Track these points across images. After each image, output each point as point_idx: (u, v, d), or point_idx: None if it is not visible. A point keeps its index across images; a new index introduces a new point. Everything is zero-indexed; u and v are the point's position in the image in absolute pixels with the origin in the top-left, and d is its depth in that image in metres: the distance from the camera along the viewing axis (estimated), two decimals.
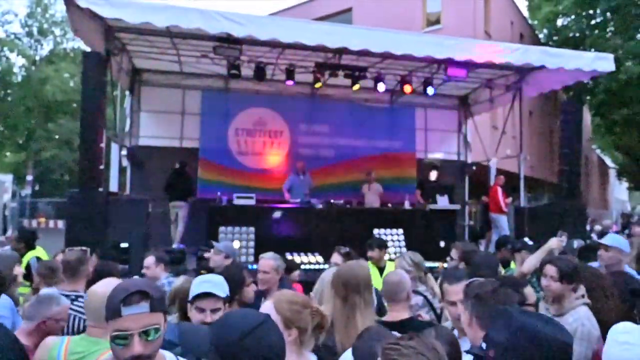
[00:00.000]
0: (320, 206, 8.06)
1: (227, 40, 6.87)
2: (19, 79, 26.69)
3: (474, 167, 11.12)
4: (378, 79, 8.88)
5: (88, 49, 7.32)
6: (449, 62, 7.60)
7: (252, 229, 7.37)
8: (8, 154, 28.44)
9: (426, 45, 6.81)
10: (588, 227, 11.82)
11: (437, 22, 16.18)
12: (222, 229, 7.22)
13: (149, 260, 3.67)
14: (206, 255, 4.66)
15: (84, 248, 3.48)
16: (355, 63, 8.46)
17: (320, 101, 10.36)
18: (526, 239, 4.63)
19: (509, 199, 9.26)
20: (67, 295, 2.52)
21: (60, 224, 18.04)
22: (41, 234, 14.24)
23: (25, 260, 4.25)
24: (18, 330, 2.21)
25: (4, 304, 2.71)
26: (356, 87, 8.68)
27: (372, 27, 10.26)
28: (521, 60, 7.19)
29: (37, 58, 27.22)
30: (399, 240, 7.78)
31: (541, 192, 21.47)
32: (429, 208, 8.24)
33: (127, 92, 9.50)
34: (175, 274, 5.81)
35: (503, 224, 9.00)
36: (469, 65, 7.76)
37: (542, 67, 7.71)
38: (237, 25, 5.94)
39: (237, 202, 7.67)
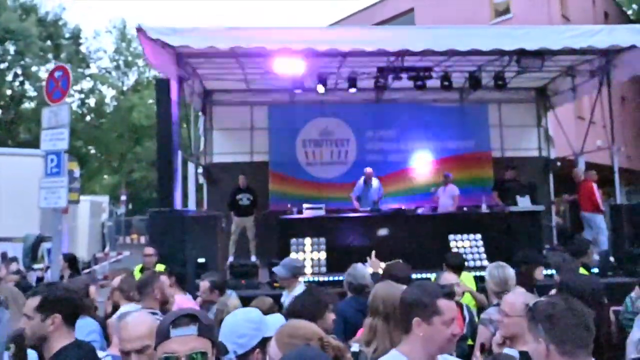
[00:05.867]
0: (390, 212, 7.86)
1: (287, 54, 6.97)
2: (111, 108, 29.51)
3: (559, 163, 10.21)
4: (445, 77, 8.50)
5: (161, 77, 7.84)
6: (521, 53, 7.06)
7: (322, 239, 7.36)
8: (105, 176, 31.49)
9: (493, 37, 6.40)
10: None
11: (507, 11, 15.25)
12: (293, 240, 7.29)
13: (204, 285, 3.70)
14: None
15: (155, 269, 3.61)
16: (420, 64, 8.18)
17: (385, 106, 10.17)
18: None
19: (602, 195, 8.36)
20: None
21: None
22: (134, 250, 15.48)
23: None
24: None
25: (94, 327, 2.80)
26: (422, 88, 8.38)
27: (435, 25, 9.92)
28: (606, 42, 6.49)
29: (125, 88, 29.92)
30: (477, 247, 7.30)
31: None
32: (508, 210, 7.67)
33: (199, 113, 10.05)
34: (250, 286, 6.00)
35: (601, 223, 8.11)
36: (543, 53, 7.15)
37: (632, 47, 6.89)
38: (295, 39, 6.01)
39: (306, 213, 7.72)
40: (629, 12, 19.96)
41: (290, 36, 6.20)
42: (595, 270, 5.96)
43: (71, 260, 5.78)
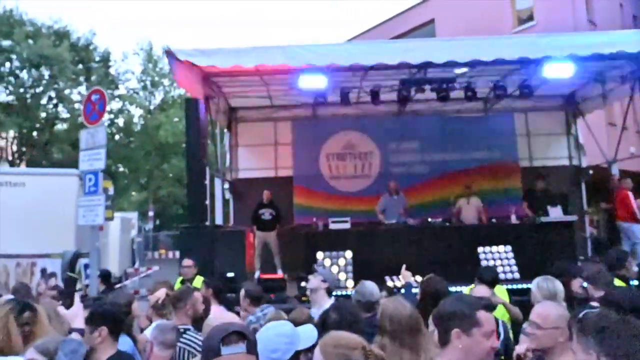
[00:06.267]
0: (417, 225, 7.79)
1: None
2: (138, 127, 30.40)
3: (591, 172, 9.92)
4: (468, 88, 8.44)
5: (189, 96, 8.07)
6: (548, 61, 6.95)
7: (349, 252, 7.33)
8: (134, 193, 32.31)
9: (518, 47, 6.33)
10: None
11: (530, 18, 15.07)
12: (320, 254, 7.29)
13: (241, 293, 3.76)
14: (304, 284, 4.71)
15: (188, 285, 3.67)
16: (442, 75, 8.15)
17: (408, 118, 10.16)
18: None
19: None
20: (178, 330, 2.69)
21: (178, 254, 19.79)
22: (162, 265, 15.70)
23: None
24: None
25: (127, 347, 2.86)
26: (445, 99, 8.33)
27: (457, 35, 9.90)
28: (636, 46, 6.33)
29: (152, 107, 30.82)
30: (507, 259, 7.14)
31: None
32: (539, 221, 7.48)
33: (225, 130, 10.26)
34: (279, 300, 6.02)
35: (638, 233, 7.84)
36: (571, 60, 7.02)
37: None
38: (318, 56, 6.10)
39: (332, 226, 7.72)
40: None
41: (313, 52, 6.30)
42: (635, 282, 5.71)
43: (105, 276, 5.96)
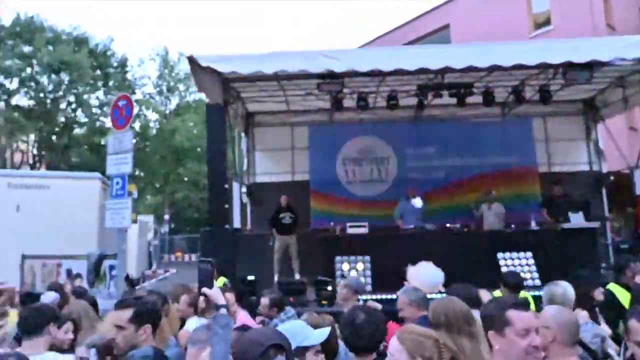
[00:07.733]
0: (434, 229, 7.76)
1: (329, 76, 7.14)
2: (154, 132, 30.82)
3: (612, 178, 9.78)
4: (486, 93, 8.41)
5: (207, 101, 8.19)
6: (568, 66, 6.90)
7: (367, 257, 7.33)
8: (149, 197, 32.71)
9: (537, 52, 6.30)
10: None
11: (547, 22, 14.93)
12: (337, 258, 7.31)
13: (264, 301, 3.82)
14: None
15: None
16: (460, 80, 8.14)
17: (425, 123, 10.14)
18: None
19: None
20: None
21: (194, 257, 20.05)
22: (179, 267, 15.86)
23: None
24: None
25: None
26: (463, 104, 8.32)
27: (471, 41, 9.87)
28: None
29: (167, 112, 31.23)
30: (528, 265, 7.07)
31: None
32: (561, 227, 7.39)
33: (242, 135, 10.36)
34: (299, 304, 6.06)
35: None
36: (591, 65, 6.96)
37: None
38: (336, 62, 6.16)
39: (350, 231, 7.74)
40: None
41: (332, 58, 6.35)
42: None
43: (126, 278, 6.08)
